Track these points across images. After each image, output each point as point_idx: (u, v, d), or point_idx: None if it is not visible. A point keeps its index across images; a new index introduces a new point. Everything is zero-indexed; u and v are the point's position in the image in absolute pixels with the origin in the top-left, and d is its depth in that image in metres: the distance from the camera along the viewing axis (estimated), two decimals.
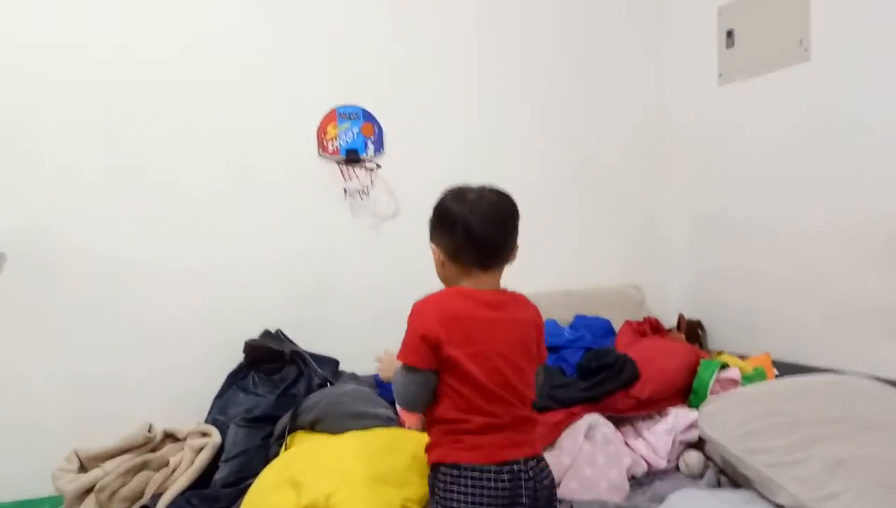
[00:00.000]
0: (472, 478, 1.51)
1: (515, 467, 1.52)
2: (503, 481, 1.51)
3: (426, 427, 1.65)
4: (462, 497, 1.50)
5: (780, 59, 2.90)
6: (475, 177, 2.97)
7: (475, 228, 1.58)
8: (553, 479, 1.63)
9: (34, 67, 2.37)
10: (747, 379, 2.42)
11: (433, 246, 1.68)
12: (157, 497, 2.11)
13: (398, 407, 1.97)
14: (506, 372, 1.56)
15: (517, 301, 1.66)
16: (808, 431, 1.88)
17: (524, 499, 1.52)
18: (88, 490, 2.10)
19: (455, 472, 1.53)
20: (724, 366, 2.44)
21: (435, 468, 1.59)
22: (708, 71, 3.29)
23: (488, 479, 1.50)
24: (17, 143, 2.36)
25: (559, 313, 3.01)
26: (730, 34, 3.17)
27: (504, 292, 1.65)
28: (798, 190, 2.84)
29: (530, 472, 1.54)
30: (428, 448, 1.62)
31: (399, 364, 1.61)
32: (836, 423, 1.90)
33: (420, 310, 1.58)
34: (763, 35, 3.00)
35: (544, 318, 2.86)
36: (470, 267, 1.61)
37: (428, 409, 1.61)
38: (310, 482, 1.77)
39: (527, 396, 1.62)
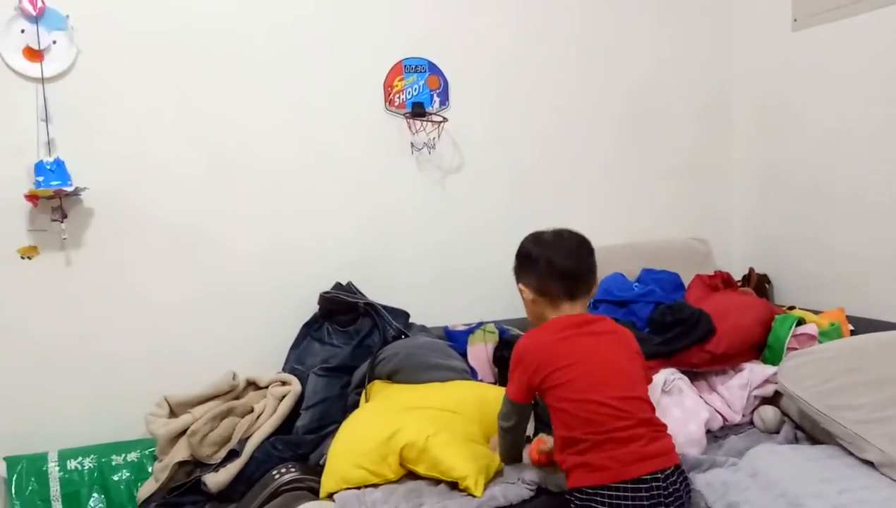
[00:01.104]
0: (608, 497, 1.50)
1: (654, 484, 1.50)
2: (641, 500, 1.49)
3: (557, 458, 1.68)
4: None
5: (862, 2, 2.78)
6: (539, 127, 2.99)
7: (556, 261, 1.73)
8: (690, 490, 1.63)
9: (115, 33, 2.41)
10: (824, 334, 2.39)
11: (521, 286, 1.81)
12: (243, 441, 2.20)
13: None
14: (608, 378, 1.61)
15: (606, 320, 1.81)
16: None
17: None
18: (179, 434, 2.20)
19: (586, 495, 1.53)
20: (800, 321, 2.42)
21: (570, 494, 1.60)
22: (781, 15, 3.14)
23: (625, 499, 1.49)
24: (101, 108, 2.41)
25: (624, 266, 2.99)
26: None
27: (591, 315, 1.78)
28: (873, 142, 2.74)
29: (670, 488, 1.52)
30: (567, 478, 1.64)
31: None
32: None
33: (519, 351, 1.72)
34: None
35: (610, 272, 2.91)
36: (557, 299, 1.74)
37: (555, 441, 1.67)
38: (408, 428, 1.83)
39: (639, 399, 1.63)
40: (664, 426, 1.64)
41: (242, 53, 2.58)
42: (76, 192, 2.31)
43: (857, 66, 2.80)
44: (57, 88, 2.35)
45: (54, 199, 2.29)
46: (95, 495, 2.24)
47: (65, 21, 2.32)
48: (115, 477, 2.29)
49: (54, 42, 2.32)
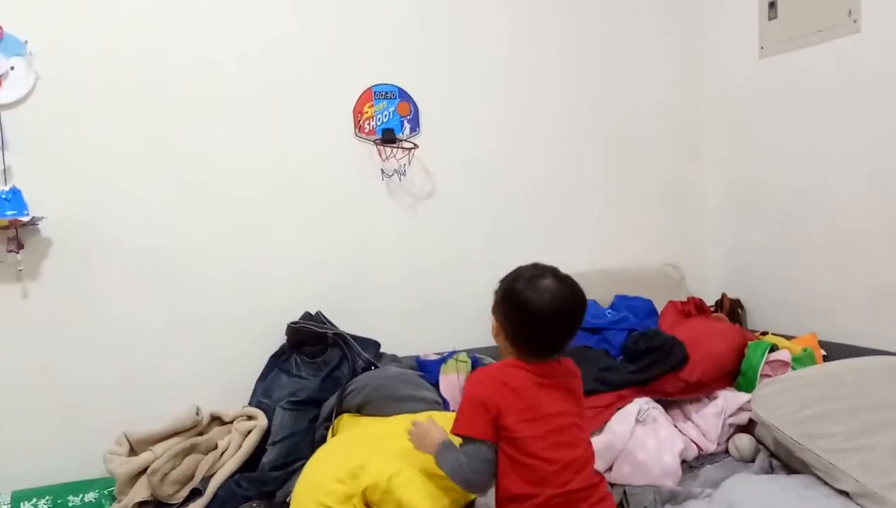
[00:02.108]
0: None
1: None
2: None
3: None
4: None
5: (826, 31, 2.82)
6: (510, 154, 2.98)
7: (540, 328, 1.55)
8: None
9: (75, 58, 2.35)
10: (797, 360, 2.39)
11: (494, 317, 1.63)
12: (206, 479, 2.12)
13: None
14: (574, 438, 1.54)
15: (561, 364, 1.63)
16: (870, 417, 1.84)
17: None
18: (139, 473, 2.11)
19: None
20: (773, 348, 2.41)
21: None
22: (749, 43, 3.19)
23: None
24: (61, 134, 2.34)
25: (597, 293, 2.96)
26: (772, 5, 3.07)
27: (551, 362, 1.61)
28: (843, 166, 2.77)
29: None
30: None
31: (440, 440, 1.60)
32: None
33: (476, 380, 1.58)
34: (808, 6, 2.90)
35: None
36: (525, 353, 1.58)
37: (497, 491, 1.56)
38: (372, 464, 1.77)
39: (593, 458, 1.58)
40: (605, 487, 1.60)
41: (210, 78, 2.53)
42: (33, 222, 2.23)
43: (823, 92, 2.83)
44: (14, 115, 2.28)
45: (10, 229, 2.22)
46: None
47: (23, 47, 2.26)
48: None
49: (12, 68, 2.26)
